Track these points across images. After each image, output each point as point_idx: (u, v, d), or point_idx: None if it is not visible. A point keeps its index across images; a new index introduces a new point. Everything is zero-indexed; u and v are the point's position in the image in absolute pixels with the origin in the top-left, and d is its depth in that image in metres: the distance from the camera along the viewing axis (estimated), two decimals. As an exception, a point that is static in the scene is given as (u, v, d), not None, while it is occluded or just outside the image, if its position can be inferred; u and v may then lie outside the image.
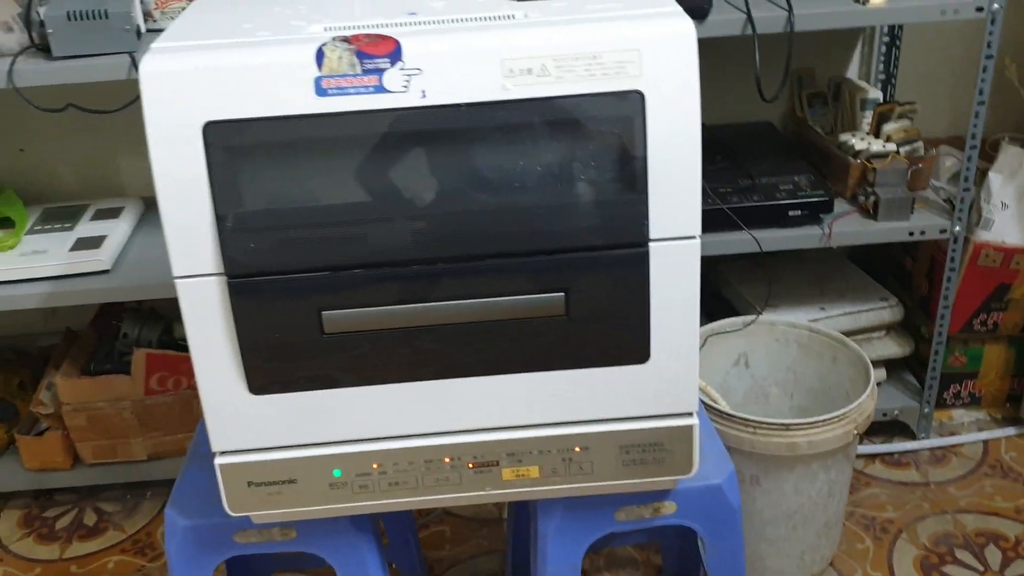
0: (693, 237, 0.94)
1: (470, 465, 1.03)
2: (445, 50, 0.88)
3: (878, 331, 1.79)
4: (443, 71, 0.88)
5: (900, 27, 1.86)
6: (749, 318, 1.60)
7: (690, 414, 1.03)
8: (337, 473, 1.02)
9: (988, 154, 1.82)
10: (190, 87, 0.87)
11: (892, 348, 1.79)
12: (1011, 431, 1.83)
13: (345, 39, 0.89)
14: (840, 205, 1.65)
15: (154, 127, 0.88)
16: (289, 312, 0.94)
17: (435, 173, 0.91)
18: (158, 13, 1.52)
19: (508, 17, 0.94)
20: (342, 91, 0.88)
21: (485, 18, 0.94)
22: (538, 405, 1.01)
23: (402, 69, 0.88)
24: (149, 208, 1.84)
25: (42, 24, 1.39)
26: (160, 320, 1.84)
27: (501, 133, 0.90)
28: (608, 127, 0.90)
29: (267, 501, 1.04)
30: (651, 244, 0.93)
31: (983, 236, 1.67)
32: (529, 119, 0.89)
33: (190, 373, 1.73)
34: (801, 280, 1.85)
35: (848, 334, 1.64)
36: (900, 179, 1.62)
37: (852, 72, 1.94)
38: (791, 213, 1.59)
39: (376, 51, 0.88)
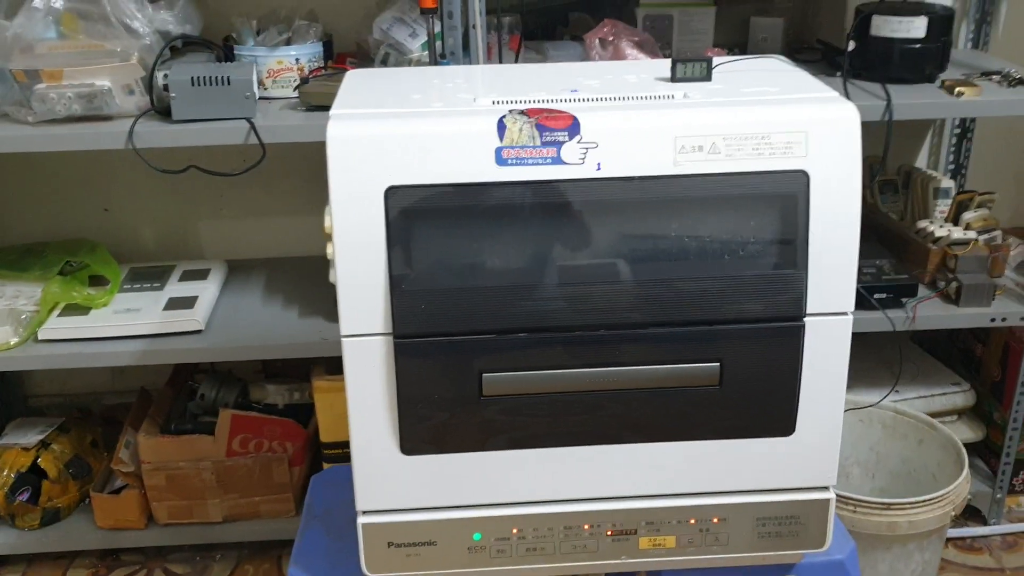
0: (846, 313, 0.97)
1: (608, 533, 1.04)
2: (621, 126, 0.92)
3: (951, 415, 1.81)
4: (618, 146, 0.91)
5: (973, 119, 1.92)
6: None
7: (827, 488, 1.04)
8: (477, 537, 1.03)
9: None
10: (375, 152, 0.90)
11: (964, 432, 1.81)
12: (1084, 520, 1.85)
13: (523, 112, 0.92)
14: (919, 290, 1.69)
15: (338, 189, 0.91)
16: (450, 373, 0.96)
17: (604, 243, 0.94)
18: (270, 82, 1.57)
19: (668, 97, 0.98)
20: (521, 161, 0.91)
21: (648, 97, 0.98)
22: (681, 475, 1.02)
23: (579, 142, 0.91)
24: (232, 271, 1.86)
25: (166, 88, 1.44)
26: (237, 383, 1.85)
27: (670, 207, 0.93)
28: (773, 204, 0.94)
29: (405, 563, 1.04)
30: (807, 319, 0.96)
31: (1058, 324, 1.71)
32: (698, 194, 0.93)
33: (273, 435, 1.74)
34: (872, 363, 1.87)
35: (922, 418, 1.66)
36: (981, 266, 1.66)
37: (921, 161, 2.00)
38: (876, 296, 1.62)
39: (555, 125, 0.91)
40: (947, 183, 1.80)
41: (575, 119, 0.92)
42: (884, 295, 1.64)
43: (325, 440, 1.66)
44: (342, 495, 1.25)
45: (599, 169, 0.92)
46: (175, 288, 1.73)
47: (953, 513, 1.39)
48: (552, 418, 0.98)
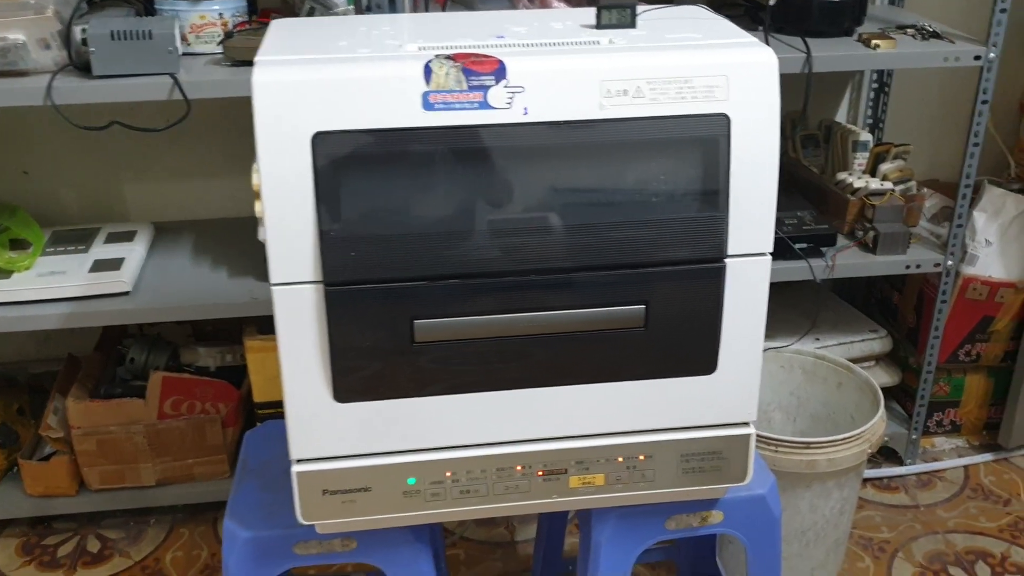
0: (765, 254, 1.01)
1: (540, 473, 1.07)
2: (547, 70, 0.93)
3: (868, 361, 1.88)
4: (545, 90, 0.93)
5: (890, 73, 1.98)
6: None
7: (747, 424, 1.08)
8: (411, 481, 1.05)
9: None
10: (301, 98, 0.90)
11: (882, 377, 1.88)
12: (988, 457, 1.94)
13: (450, 57, 0.93)
14: (839, 240, 1.74)
15: (265, 136, 0.91)
16: (382, 321, 0.97)
17: (531, 188, 0.95)
18: (193, 37, 1.54)
19: (594, 43, 1.00)
20: (448, 106, 0.92)
21: (574, 43, 1.00)
22: (609, 415, 1.05)
23: (506, 86, 0.92)
24: (159, 233, 1.84)
25: (84, 43, 1.41)
26: (168, 346, 1.83)
27: (596, 150, 0.95)
28: (695, 147, 0.96)
29: (340, 509, 1.05)
30: (728, 259, 0.99)
31: (969, 271, 1.78)
32: (623, 137, 0.95)
33: (205, 397, 1.73)
34: (794, 313, 1.93)
35: (841, 364, 1.72)
36: (897, 215, 1.72)
37: (840, 115, 2.06)
38: (798, 246, 1.67)
39: (481, 69, 0.93)
40: (865, 136, 1.86)
41: (501, 63, 0.93)
42: (805, 245, 1.69)
43: (259, 400, 1.66)
44: (276, 449, 1.26)
45: (526, 113, 0.93)
46: (101, 250, 1.70)
47: (869, 450, 1.45)
48: (483, 363, 1.00)
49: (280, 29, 1.08)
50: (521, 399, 1.03)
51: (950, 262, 1.72)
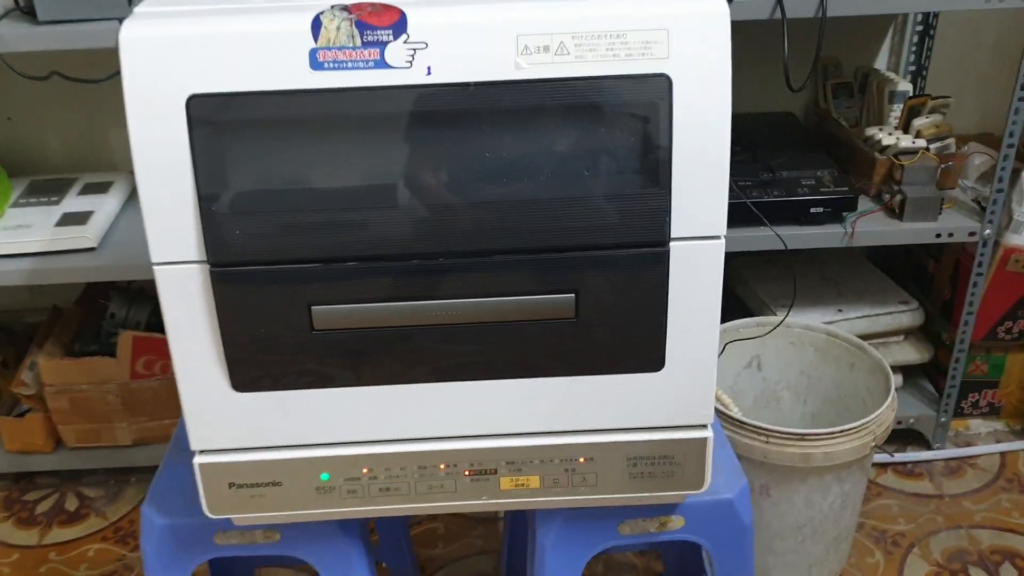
0: (717, 237, 0.87)
1: (466, 473, 0.96)
2: (454, 22, 0.80)
3: (897, 335, 1.72)
4: (451, 46, 0.80)
5: (936, 16, 1.77)
6: (766, 323, 1.52)
7: (704, 426, 0.96)
8: (325, 477, 0.95)
9: (1020, 152, 1.74)
10: (173, 56, 0.79)
11: (911, 354, 1.71)
12: (1030, 444, 1.77)
13: (345, 7, 0.81)
14: (864, 203, 1.58)
15: (133, 98, 0.80)
16: (276, 305, 0.87)
17: (438, 159, 0.83)
18: (152, -22, 1.44)
19: (520, -9, 0.86)
20: (339, 65, 0.80)
21: (495, -9, 0.86)
22: (541, 412, 0.94)
23: (406, 42, 0.80)
24: (141, 183, 1.76)
25: (28, -15, 1.32)
26: (149, 300, 1.76)
27: (512, 117, 0.82)
28: (630, 113, 0.82)
29: (249, 504, 0.96)
30: (672, 243, 0.86)
31: (1013, 240, 1.60)
32: (543, 102, 0.81)
33: (178, 357, 1.66)
34: (817, 280, 1.77)
35: (866, 337, 1.57)
36: (929, 177, 1.54)
37: (881, 63, 1.86)
38: (813, 210, 1.51)
39: (378, 22, 0.80)
40: (904, 86, 1.67)
41: (402, 14, 0.80)
42: (822, 209, 1.52)
43: (230, 362, 1.59)
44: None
45: (429, 74, 0.80)
46: (72, 202, 1.63)
47: (874, 444, 1.30)
48: (393, 353, 0.89)
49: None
50: (441, 393, 0.92)
51: (988, 231, 1.53)
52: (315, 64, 0.80)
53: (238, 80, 0.80)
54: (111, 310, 1.75)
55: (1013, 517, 1.61)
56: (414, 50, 0.80)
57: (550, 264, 0.86)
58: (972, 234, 1.54)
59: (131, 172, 1.79)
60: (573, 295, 0.87)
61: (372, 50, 0.80)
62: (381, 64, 0.80)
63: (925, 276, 1.80)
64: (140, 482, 1.74)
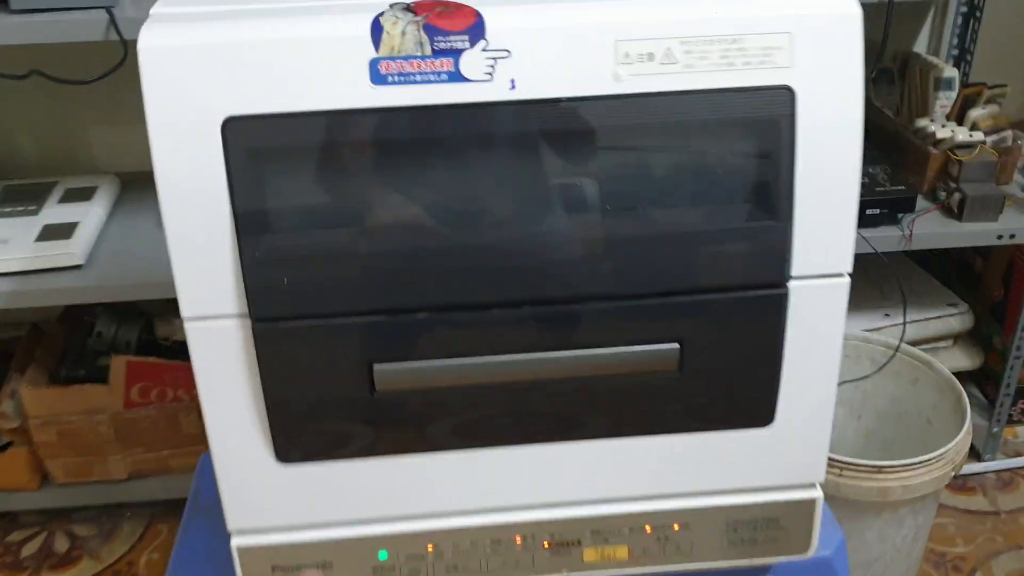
0: (842, 275, 0.75)
1: (546, 545, 0.84)
2: (541, 26, 0.67)
3: (945, 340, 1.61)
4: (538, 54, 0.67)
5: (984, -3, 1.65)
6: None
7: (813, 485, 0.84)
8: (383, 556, 0.82)
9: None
10: (206, 69, 0.65)
11: (960, 360, 1.61)
12: (1085, 452, 1.67)
13: (407, 6, 0.67)
14: (918, 202, 1.46)
15: (157, 122, 0.66)
16: (331, 365, 0.73)
17: (522, 190, 0.70)
18: (138, -37, 1.28)
19: (612, -14, 0.73)
20: (406, 78, 0.66)
21: (584, -14, 0.73)
22: (632, 475, 0.81)
23: (485, 50, 0.66)
24: (126, 187, 1.61)
25: (1, -27, 1.16)
26: (140, 317, 1.62)
27: (609, 138, 0.69)
28: (747, 133, 0.70)
29: (292, 585, 0.83)
30: (791, 283, 0.74)
31: (1076, 240, 1.49)
32: (647, 121, 0.68)
33: (176, 382, 1.52)
34: (861, 281, 1.65)
35: (914, 344, 1.46)
36: (989, 174, 1.43)
37: (920, 46, 1.74)
38: (869, 211, 1.40)
39: (451, 25, 0.66)
40: (950, 72, 1.55)
41: (479, 17, 0.67)
42: (878, 211, 1.41)
43: (235, 388, 1.45)
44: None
45: (513, 88, 0.67)
46: (53, 212, 1.48)
47: (953, 473, 1.20)
48: (467, 415, 0.76)
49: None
50: (519, 457, 0.79)
51: (1054, 232, 1.43)
52: (377, 77, 0.66)
53: (283, 98, 0.66)
54: (98, 328, 1.60)
55: (1076, 534, 1.52)
56: (494, 59, 0.67)
57: (652, 311, 0.73)
58: (1036, 235, 1.43)
59: (116, 174, 1.65)
60: (677, 345, 0.74)
61: (445, 60, 0.66)
62: (455, 77, 0.66)
63: (971, 275, 1.70)
64: (136, 519, 1.60)
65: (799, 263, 0.73)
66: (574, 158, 0.69)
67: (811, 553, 0.86)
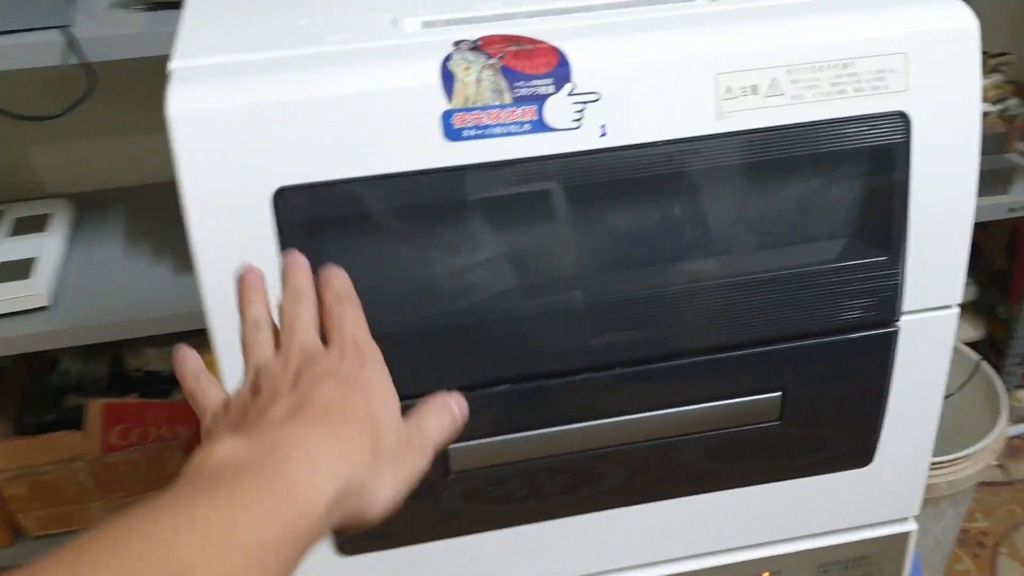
0: (951, 307, 0.69)
1: (631, 606, 0.77)
2: (634, 61, 0.58)
3: (948, 313, 1.58)
4: (631, 96, 0.58)
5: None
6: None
7: (907, 519, 0.79)
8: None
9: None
10: (253, 135, 0.56)
11: (966, 331, 1.59)
12: (1086, 412, 1.67)
13: (475, 46, 0.58)
14: (923, 177, 1.42)
15: (197, 197, 0.56)
16: (398, 447, 0.65)
17: (615, 246, 0.62)
18: (90, -26, 1.15)
19: (684, 7, 0.65)
20: (483, 132, 0.58)
21: (652, 9, 0.64)
22: (723, 529, 0.75)
23: (571, 94, 0.58)
24: (82, 212, 1.47)
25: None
26: (108, 348, 1.49)
27: (711, 182, 0.62)
28: (859, 166, 0.63)
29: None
30: (902, 319, 0.67)
31: (1078, 205, 1.47)
32: (754, 159, 0.61)
33: (158, 421, 1.41)
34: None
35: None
36: (998, 146, 1.39)
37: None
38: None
39: (532, 68, 0.58)
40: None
41: (560, 56, 0.58)
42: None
43: (225, 423, 1.35)
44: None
45: (604, 135, 0.59)
46: (5, 247, 1.34)
47: (995, 463, 1.17)
48: (546, 487, 0.69)
49: (205, 5, 0.71)
50: (604, 522, 0.72)
51: (1062, 201, 1.40)
52: (451, 132, 0.57)
53: (342, 162, 0.57)
54: (64, 365, 1.47)
55: (1087, 499, 1.51)
56: (583, 104, 0.58)
57: (755, 361, 0.66)
58: (1047, 205, 1.40)
59: (67, 197, 1.51)
60: (780, 394, 0.68)
61: (527, 108, 0.58)
62: (539, 127, 0.58)
63: (972, 246, 1.67)
64: (121, 562, 1.49)
65: (910, 298, 0.67)
66: (671, 205, 0.62)
67: (905, 589, 0.82)
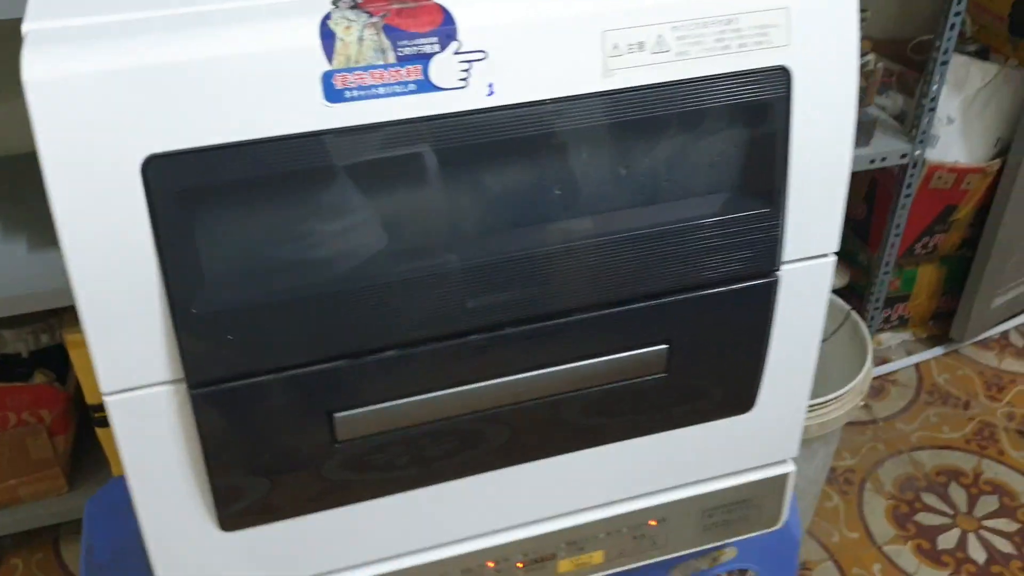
0: (828, 255, 0.71)
1: (519, 565, 0.78)
2: (519, 20, 0.57)
3: (813, 261, 1.64)
4: (518, 53, 0.57)
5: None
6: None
7: (786, 460, 0.82)
8: (350, 604, 0.74)
9: (909, 58, 1.68)
10: (119, 101, 0.52)
11: (829, 279, 1.65)
12: (939, 351, 1.77)
13: (355, 4, 0.56)
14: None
15: (56, 168, 0.53)
16: (283, 422, 0.63)
17: (505, 205, 0.61)
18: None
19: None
20: (367, 92, 0.56)
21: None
22: (609, 482, 0.76)
23: (457, 52, 0.57)
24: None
25: None
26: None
27: (598, 139, 0.61)
28: (741, 120, 0.64)
29: (246, 655, 0.74)
30: (782, 268, 0.69)
31: (930, 155, 1.54)
32: (641, 116, 0.61)
33: (20, 405, 1.34)
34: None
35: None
36: (858, 100, 1.44)
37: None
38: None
39: (415, 26, 0.56)
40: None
41: (445, 13, 0.56)
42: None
43: (92, 402, 1.29)
44: (130, 525, 0.91)
45: (491, 94, 0.58)
46: None
47: (861, 403, 1.22)
48: (435, 450, 0.68)
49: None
50: (491, 483, 0.72)
51: (918, 151, 1.47)
52: (331, 94, 0.55)
53: (216, 127, 0.54)
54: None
55: (944, 432, 1.60)
56: (470, 63, 0.57)
57: (641, 315, 0.67)
58: (903, 156, 1.46)
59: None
60: (666, 346, 0.69)
61: (412, 67, 0.56)
62: (426, 86, 0.56)
63: (831, 194, 1.74)
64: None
65: (790, 248, 0.68)
66: (557, 162, 0.61)
67: (781, 524, 0.85)
